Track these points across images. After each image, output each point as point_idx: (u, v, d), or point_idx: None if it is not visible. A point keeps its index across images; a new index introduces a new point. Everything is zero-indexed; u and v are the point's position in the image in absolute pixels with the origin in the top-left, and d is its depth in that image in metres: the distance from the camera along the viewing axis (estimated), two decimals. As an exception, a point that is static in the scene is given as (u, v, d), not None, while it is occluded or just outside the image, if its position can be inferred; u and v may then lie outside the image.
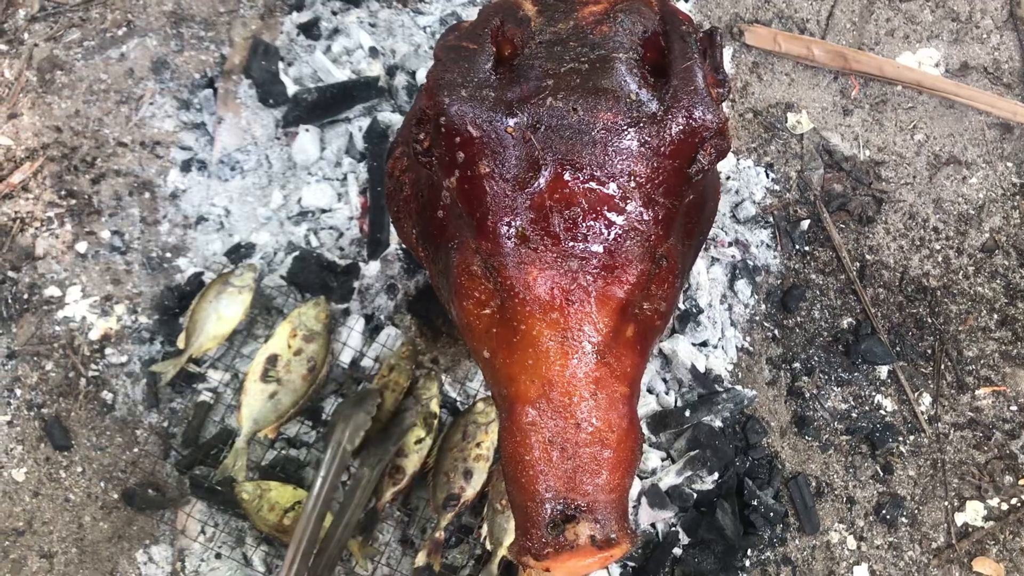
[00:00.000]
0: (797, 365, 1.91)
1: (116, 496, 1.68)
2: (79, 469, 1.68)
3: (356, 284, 1.75)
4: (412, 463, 1.61)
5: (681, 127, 1.15)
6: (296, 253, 1.75)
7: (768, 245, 1.97)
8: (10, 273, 1.75)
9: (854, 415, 1.89)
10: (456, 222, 1.27)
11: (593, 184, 1.15)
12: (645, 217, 1.18)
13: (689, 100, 1.16)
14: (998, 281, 2.00)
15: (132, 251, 1.79)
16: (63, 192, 1.81)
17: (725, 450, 1.73)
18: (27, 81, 1.88)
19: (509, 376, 1.24)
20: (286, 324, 1.66)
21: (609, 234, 1.16)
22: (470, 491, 1.60)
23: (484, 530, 1.61)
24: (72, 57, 1.90)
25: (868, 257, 1.99)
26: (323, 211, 1.80)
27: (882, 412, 1.90)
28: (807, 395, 1.89)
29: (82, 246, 1.78)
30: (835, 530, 1.83)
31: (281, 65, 1.89)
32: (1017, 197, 2.06)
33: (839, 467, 1.86)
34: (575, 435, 1.19)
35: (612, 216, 1.16)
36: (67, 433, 1.69)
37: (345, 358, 1.71)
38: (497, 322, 1.24)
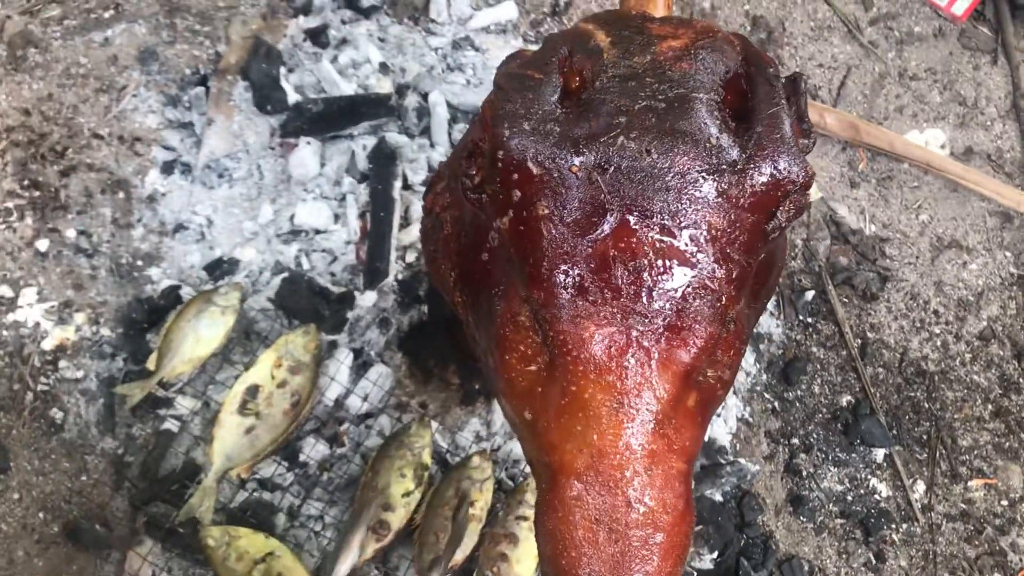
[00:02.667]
0: (796, 441, 1.83)
1: (56, 529, 1.48)
2: (15, 496, 1.48)
3: (349, 315, 1.60)
4: (398, 518, 1.47)
5: (765, 178, 1.05)
6: (285, 274, 1.60)
7: (772, 313, 1.90)
8: (-44, 266, 1.56)
9: (849, 498, 1.82)
10: (503, 267, 1.15)
11: (663, 235, 1.04)
12: (718, 275, 1.08)
13: (774, 149, 1.06)
14: (993, 371, 1.97)
15: (100, 255, 1.61)
16: (26, 182, 1.62)
17: (727, 527, 1.64)
18: (-4, 55, 1.69)
19: (553, 443, 1.11)
20: (271, 352, 1.50)
21: (678, 291, 1.05)
22: (459, 555, 1.46)
23: (472, 598, 1.47)
24: (49, 35, 1.72)
25: (870, 335, 1.94)
26: (318, 232, 1.65)
27: (877, 497, 1.83)
28: (804, 473, 1.81)
29: (43, 244, 1.59)
30: (826, 619, 1.74)
31: (282, 71, 1.75)
32: (1014, 288, 2.04)
33: (832, 552, 1.78)
34: (625, 515, 1.07)
35: (682, 271, 1.05)
36: (5, 453, 1.49)
37: (331, 395, 1.56)
38: (543, 380, 1.12)
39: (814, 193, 2.02)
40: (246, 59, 1.74)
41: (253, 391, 1.48)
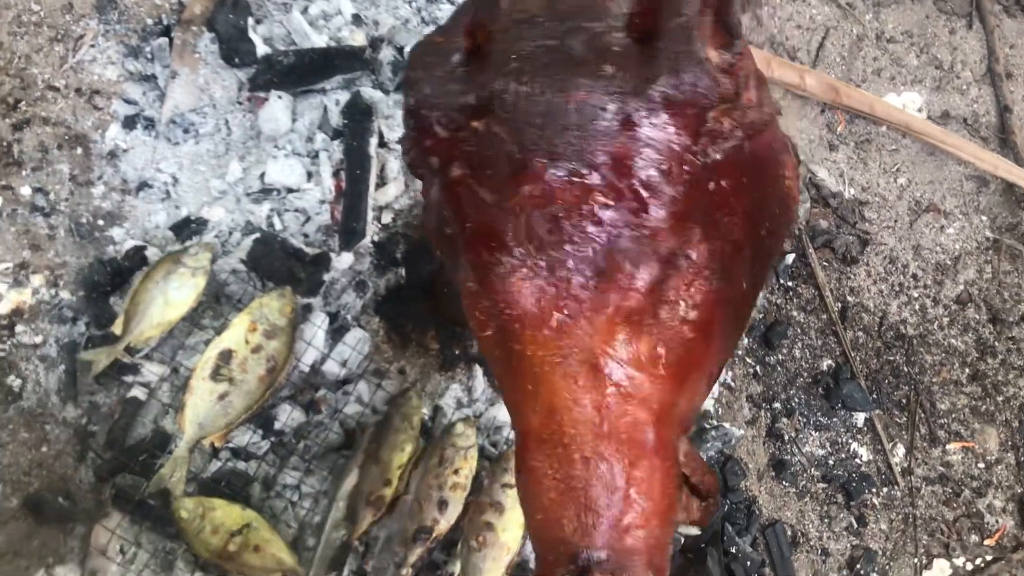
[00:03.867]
0: (778, 405, 1.81)
1: (16, 503, 1.40)
2: (-29, 467, 1.40)
3: (325, 277, 1.53)
4: (392, 491, 1.41)
5: (668, 99, 1.00)
6: (257, 235, 1.53)
7: (753, 276, 1.87)
8: (-99, 225, 1.46)
9: (831, 462, 1.80)
10: (455, 235, 1.10)
11: (574, 176, 0.99)
12: (642, 210, 1.02)
13: (676, 64, 1.01)
14: (970, 335, 1.96)
15: (57, 214, 1.52)
16: (-24, 136, 1.52)
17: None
18: (-60, 1, 1.58)
19: (513, 405, 1.06)
20: (244, 316, 1.43)
21: (600, 233, 1.00)
22: (444, 524, 1.41)
23: (456, 570, 1.42)
24: (-2, -20, 1.62)
25: (850, 299, 1.92)
26: (290, 190, 1.58)
27: (858, 461, 1.82)
28: (786, 438, 1.79)
29: (-4, 202, 1.50)
30: (808, 584, 1.73)
31: (250, 21, 1.66)
32: (990, 252, 2.04)
33: (814, 516, 1.77)
34: (584, 471, 1.02)
35: (599, 212, 1.00)
36: (-41, 423, 1.40)
37: (307, 360, 1.49)
38: (498, 344, 1.07)
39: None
40: (212, 9, 1.65)
41: (226, 356, 1.40)
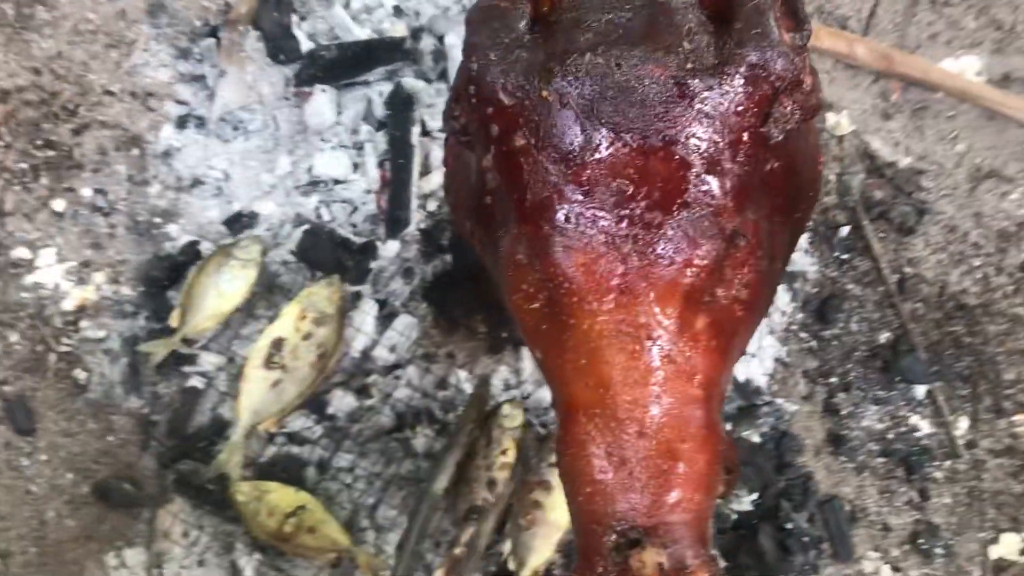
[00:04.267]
0: (834, 380, 1.78)
1: (86, 490, 1.47)
2: (43, 457, 1.47)
3: (373, 265, 1.57)
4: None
5: (745, 77, 0.99)
6: (306, 227, 1.57)
7: (806, 250, 1.84)
8: (-27, 229, 1.53)
9: (890, 436, 1.77)
10: (502, 207, 1.10)
11: (644, 151, 0.98)
12: (710, 188, 1.02)
13: (754, 44, 0.99)
14: (1036, 303, 1.91)
15: (117, 213, 1.58)
16: (39, 142, 1.59)
17: (765, 468, 1.60)
18: (3, 14, 1.65)
19: (561, 379, 1.07)
20: (294, 305, 1.47)
21: (667, 209, 1.00)
22: (493, 502, 1.43)
23: (507, 547, 1.44)
24: (55, -9, 1.69)
25: (907, 270, 1.88)
26: (337, 182, 1.61)
27: (918, 434, 1.79)
28: (843, 412, 1.76)
29: (59, 204, 1.57)
30: (869, 559, 1.70)
31: (294, 18, 1.70)
32: (1057, 216, 1.97)
33: (874, 491, 1.74)
34: (636, 445, 1.03)
35: (669, 188, 1.00)
36: (31, 415, 1.48)
37: (357, 346, 1.53)
38: (547, 317, 1.07)
39: (845, 126, 1.96)
40: (256, 8, 1.69)
41: (278, 344, 1.45)
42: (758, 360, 1.72)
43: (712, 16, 1.05)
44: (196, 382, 1.51)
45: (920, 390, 1.81)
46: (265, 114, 1.66)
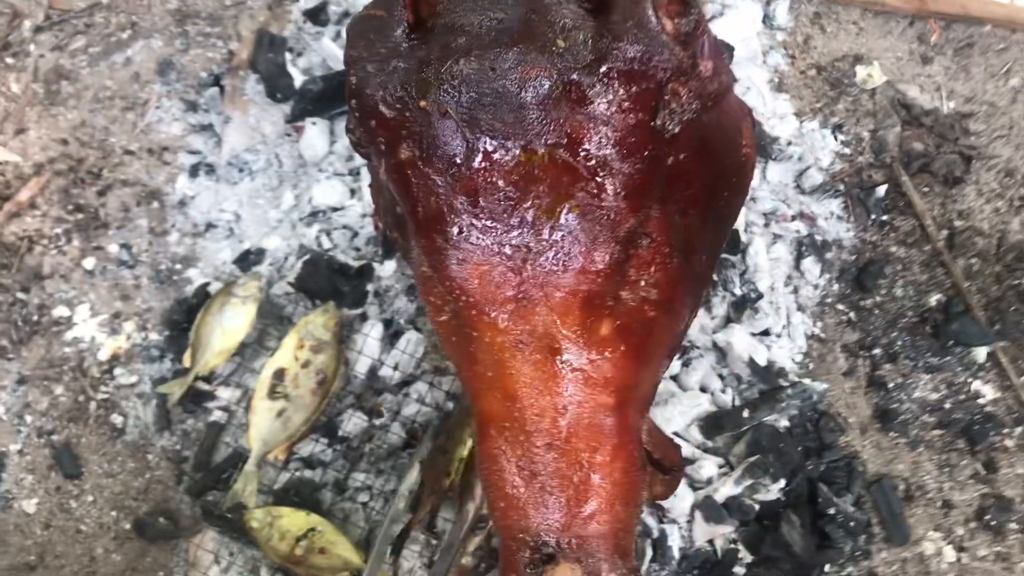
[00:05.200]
0: (878, 351, 1.67)
1: (128, 526, 1.58)
2: (90, 498, 1.59)
3: (370, 287, 1.60)
4: (451, 482, 1.45)
5: (622, 73, 0.94)
6: (306, 257, 1.62)
7: (839, 216, 1.73)
8: (19, 295, 1.68)
9: (947, 406, 1.64)
10: (407, 218, 1.10)
11: (527, 156, 0.95)
12: (598, 190, 0.98)
13: (631, 37, 0.94)
14: (1117, 243, 1.72)
15: (140, 264, 1.69)
16: (70, 207, 1.72)
17: (791, 454, 1.52)
18: (34, 94, 1.80)
19: (473, 392, 1.06)
20: (292, 335, 1.52)
21: (555, 214, 0.97)
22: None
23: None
24: (77, 65, 1.82)
25: (957, 223, 1.73)
26: (334, 209, 1.66)
27: (981, 401, 1.64)
28: (891, 385, 1.65)
29: (90, 262, 1.69)
30: (929, 540, 1.58)
31: (289, 56, 1.76)
32: None
33: (932, 466, 1.62)
34: (546, 458, 1.01)
35: (554, 193, 0.96)
36: (77, 460, 1.60)
37: (362, 368, 1.56)
38: (455, 329, 1.07)
39: (877, 77, 1.83)
40: (254, 52, 1.76)
41: (280, 375, 1.51)
42: (787, 339, 1.63)
43: (592, 8, 1.00)
44: (218, 416, 1.59)
45: (980, 353, 1.66)
46: (268, 153, 1.73)
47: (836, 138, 1.78)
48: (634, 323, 1.02)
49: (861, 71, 1.83)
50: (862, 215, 1.74)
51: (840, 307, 1.69)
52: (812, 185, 1.73)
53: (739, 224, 1.66)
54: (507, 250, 0.99)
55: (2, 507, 1.58)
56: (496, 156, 0.98)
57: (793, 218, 1.69)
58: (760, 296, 1.61)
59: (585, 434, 1.00)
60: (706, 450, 1.55)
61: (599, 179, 0.98)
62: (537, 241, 0.99)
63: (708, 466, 1.51)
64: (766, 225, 1.69)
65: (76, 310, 1.67)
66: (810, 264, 1.68)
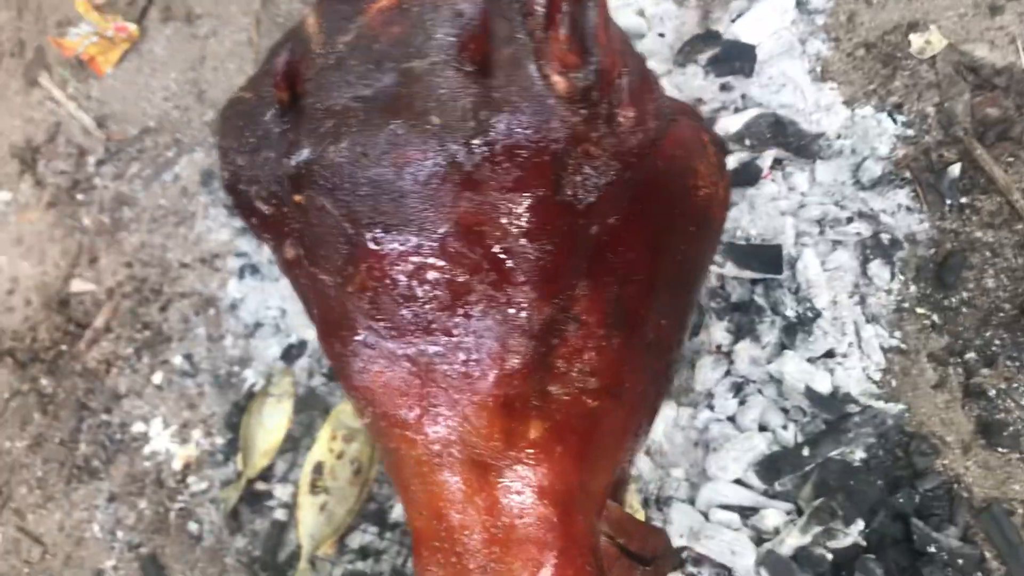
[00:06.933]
0: (971, 355, 1.45)
1: (212, 631, 1.62)
2: (176, 607, 1.65)
3: (401, 366, 1.57)
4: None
5: (507, 146, 0.82)
6: (340, 344, 1.61)
7: (909, 208, 1.53)
8: (103, 416, 1.78)
9: (1067, 409, 1.40)
10: None
11: (416, 252, 0.86)
12: (502, 279, 0.87)
13: (511, 103, 0.83)
14: None
15: (201, 372, 1.75)
16: (138, 325, 1.81)
17: (865, 490, 1.33)
18: (101, 224, 1.92)
19: (404, 507, 0.98)
20: (326, 427, 1.52)
21: (455, 313, 0.87)
22: None
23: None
24: (134, 190, 1.92)
25: (1054, 192, 1.49)
26: (365, 291, 1.65)
27: (1110, 398, 1.39)
28: (992, 393, 1.42)
29: (158, 377, 1.77)
30: (1063, 571, 1.34)
31: (312, 145, 1.77)
32: None
33: (1056, 483, 1.38)
34: None
35: (451, 288, 0.86)
36: (163, 570, 1.66)
37: (403, 450, 1.53)
38: (377, 439, 0.99)
39: (936, 43, 1.61)
40: (281, 147, 1.80)
41: (318, 468, 1.50)
42: (858, 358, 1.45)
43: (474, 71, 0.91)
44: (280, 515, 1.60)
45: (1100, 340, 1.41)
46: (303, 244, 1.74)
47: (895, 120, 1.58)
48: (571, 420, 0.91)
49: (916, 40, 1.62)
50: (936, 202, 1.53)
51: (921, 311, 1.48)
52: (871, 178, 1.54)
53: (787, 237, 1.51)
54: (409, 354, 0.91)
55: (105, 622, 1.67)
56: (383, 252, 0.89)
57: (849, 220, 1.51)
58: (818, 315, 1.45)
59: (523, 553, 0.90)
60: (773, 496, 1.39)
61: (502, 268, 0.88)
62: (439, 344, 0.90)
63: (772, 515, 1.36)
64: (821, 233, 1.52)
65: (151, 424, 1.75)
66: (878, 268, 1.49)
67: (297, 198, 0.92)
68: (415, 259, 0.89)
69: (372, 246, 0.89)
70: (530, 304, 0.88)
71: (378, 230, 0.89)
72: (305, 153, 0.89)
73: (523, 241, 0.87)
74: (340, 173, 0.88)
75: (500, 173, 0.84)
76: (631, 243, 0.94)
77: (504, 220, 0.85)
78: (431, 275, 0.89)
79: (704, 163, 1.03)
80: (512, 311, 0.88)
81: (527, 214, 0.86)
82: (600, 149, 0.87)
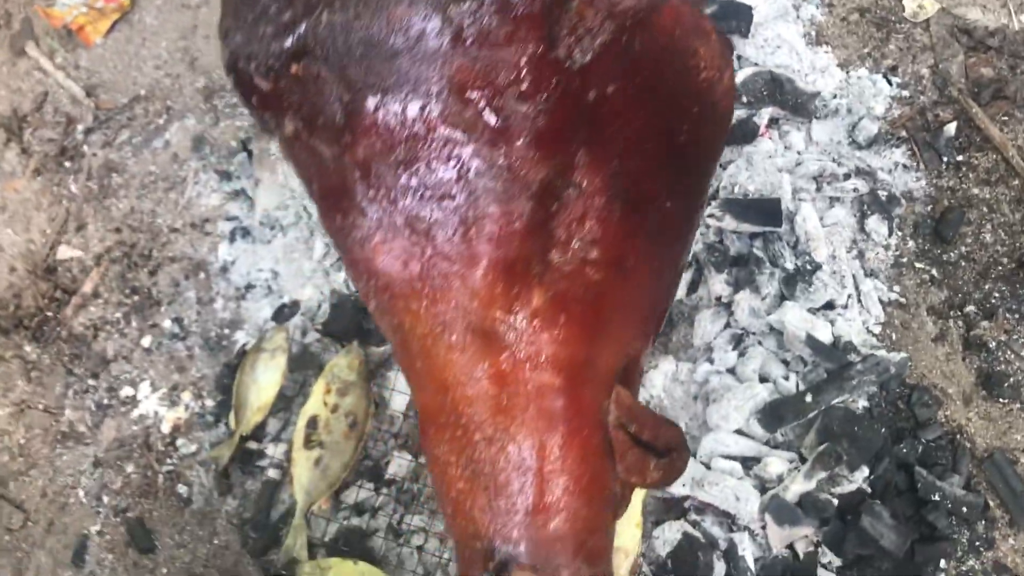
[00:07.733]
0: (971, 308, 1.45)
1: (201, 595, 1.58)
2: (164, 571, 1.60)
3: (398, 322, 1.55)
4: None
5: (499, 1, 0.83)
6: (334, 301, 1.59)
7: (905, 166, 1.54)
8: (90, 381, 1.74)
9: (1066, 353, 1.41)
10: None
11: (410, 111, 0.86)
12: (498, 138, 0.86)
13: None
14: None
15: (191, 335, 1.72)
16: (127, 290, 1.78)
17: (870, 437, 1.33)
18: (89, 191, 1.89)
19: (411, 388, 0.97)
20: (320, 381, 1.49)
21: (454, 175, 0.86)
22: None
23: None
24: (124, 157, 1.90)
25: (1049, 149, 1.50)
26: (360, 250, 1.63)
27: (1109, 346, 1.40)
28: (992, 345, 1.43)
29: (147, 340, 1.73)
30: (1065, 517, 1.34)
31: (307, 108, 1.76)
32: None
33: (1057, 432, 1.38)
34: (487, 454, 0.90)
35: (448, 148, 0.85)
36: (150, 534, 1.62)
37: (399, 405, 1.51)
38: (382, 318, 0.97)
39: (929, 5, 1.63)
40: (275, 111, 1.78)
41: (313, 423, 1.47)
42: (857, 310, 1.45)
43: None
44: (272, 474, 1.57)
45: (1098, 291, 1.42)
46: (296, 207, 1.73)
47: (890, 82, 1.59)
48: (574, 289, 0.91)
49: (910, 3, 1.64)
50: (933, 159, 1.54)
51: (920, 265, 1.49)
52: (868, 137, 1.55)
53: (785, 192, 1.51)
54: (411, 223, 0.90)
55: (89, 588, 1.62)
56: (379, 116, 0.88)
57: (846, 176, 1.51)
58: (817, 267, 1.45)
59: (529, 423, 0.89)
60: (775, 445, 1.38)
61: (496, 127, 0.87)
62: (439, 208, 0.89)
63: (775, 463, 1.35)
64: (818, 190, 1.52)
65: (139, 388, 1.71)
66: (876, 223, 1.50)
67: (294, 68, 0.92)
68: (410, 121, 0.88)
69: (368, 110, 0.88)
70: (528, 163, 0.87)
71: (374, 92, 0.88)
72: (300, 22, 0.89)
73: (518, 99, 0.86)
74: (334, 37, 0.88)
75: (494, 28, 0.84)
76: (631, 116, 0.93)
77: (498, 76, 0.85)
78: (428, 136, 0.88)
79: (706, 47, 1.03)
80: (510, 170, 0.88)
81: (520, 71, 0.86)
82: (592, 8, 0.87)
